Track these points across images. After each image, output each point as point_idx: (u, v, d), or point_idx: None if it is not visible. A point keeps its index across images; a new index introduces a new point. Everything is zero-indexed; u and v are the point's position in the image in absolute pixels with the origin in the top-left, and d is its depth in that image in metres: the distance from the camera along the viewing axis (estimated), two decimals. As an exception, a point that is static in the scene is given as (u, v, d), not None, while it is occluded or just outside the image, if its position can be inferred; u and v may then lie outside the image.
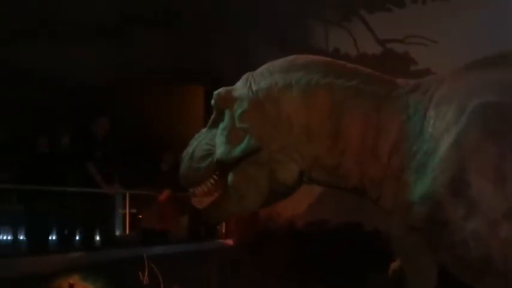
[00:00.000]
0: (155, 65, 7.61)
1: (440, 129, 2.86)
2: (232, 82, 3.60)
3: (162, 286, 4.86)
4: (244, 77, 3.49)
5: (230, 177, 3.34)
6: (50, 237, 6.30)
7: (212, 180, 3.41)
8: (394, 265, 3.75)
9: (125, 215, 6.74)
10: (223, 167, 3.37)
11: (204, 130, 3.60)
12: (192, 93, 8.51)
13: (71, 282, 4.73)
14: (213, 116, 3.56)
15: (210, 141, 3.43)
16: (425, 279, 2.97)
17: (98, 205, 6.41)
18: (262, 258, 6.02)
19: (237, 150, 3.26)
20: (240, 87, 3.44)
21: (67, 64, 6.97)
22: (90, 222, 6.31)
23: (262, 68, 3.45)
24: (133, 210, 6.78)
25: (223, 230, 6.79)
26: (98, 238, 6.44)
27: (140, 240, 6.51)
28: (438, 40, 7.37)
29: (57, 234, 6.37)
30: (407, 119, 3.01)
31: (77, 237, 6.41)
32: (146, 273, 4.97)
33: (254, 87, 3.35)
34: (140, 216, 6.83)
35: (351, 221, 5.86)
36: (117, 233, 6.95)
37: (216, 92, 3.48)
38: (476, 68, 2.99)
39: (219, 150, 3.34)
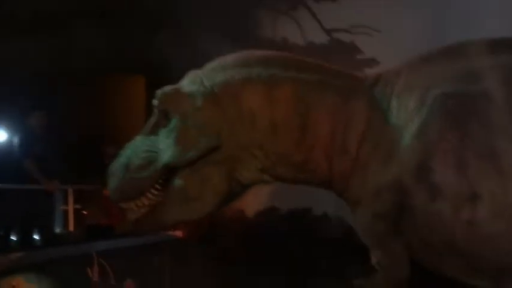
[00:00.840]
0: (96, 56, 7.32)
1: (404, 119, 2.91)
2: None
3: (113, 282, 4.72)
4: (191, 74, 3.19)
5: (180, 181, 3.03)
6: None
7: (154, 191, 3.06)
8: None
9: (67, 211, 6.48)
10: (168, 174, 3.06)
11: (138, 137, 3.18)
12: (133, 83, 8.28)
13: (14, 284, 4.48)
14: (151, 120, 3.19)
15: (151, 148, 3.07)
16: (400, 266, 3.00)
17: (37, 203, 6.15)
18: (213, 249, 6.00)
19: (192, 151, 2.97)
20: (188, 85, 3.13)
21: (3, 56, 6.55)
22: (28, 220, 6.04)
23: (212, 64, 3.19)
24: (78, 206, 6.53)
25: (172, 223, 6.69)
26: (37, 237, 6.16)
27: (85, 236, 6.30)
28: (381, 30, 7.60)
29: (-7, 234, 6.04)
30: (373, 111, 3.02)
31: (15, 237, 6.10)
32: (95, 270, 4.80)
33: (207, 83, 3.09)
34: (85, 212, 6.60)
35: (299, 207, 5.96)
36: (59, 230, 6.68)
37: (160, 91, 3.13)
38: (433, 58, 3.05)
39: (168, 154, 3.01)
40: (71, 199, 6.37)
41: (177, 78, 3.31)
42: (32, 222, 6.08)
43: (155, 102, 3.14)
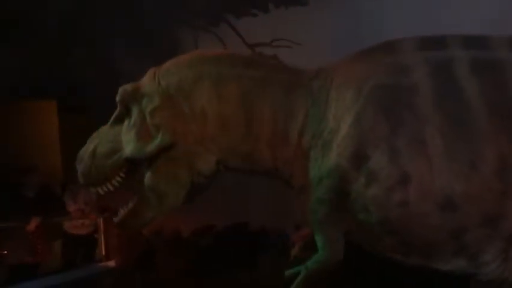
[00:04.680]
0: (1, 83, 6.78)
1: (342, 109, 3.19)
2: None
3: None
4: (150, 72, 3.52)
5: (147, 180, 3.39)
6: None
7: (119, 178, 3.45)
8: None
9: (-15, 253, 5.91)
10: (131, 165, 3.43)
11: (104, 127, 3.56)
12: (44, 109, 7.81)
13: None
14: (116, 113, 3.55)
15: (114, 138, 3.45)
16: (336, 250, 3.26)
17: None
18: (149, 274, 5.79)
19: (150, 147, 3.32)
20: (147, 83, 3.47)
21: None
22: None
23: (168, 64, 3.50)
24: (-4, 246, 5.99)
25: (103, 253, 6.37)
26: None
27: (9, 278, 5.79)
28: (302, 42, 7.90)
29: None
30: (313, 103, 3.29)
31: None
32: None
33: (163, 83, 3.40)
34: (5, 252, 6.08)
35: (237, 223, 5.95)
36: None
37: (122, 88, 3.48)
38: (368, 54, 3.36)
39: (129, 148, 3.37)
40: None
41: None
42: None
43: (118, 97, 3.49)
